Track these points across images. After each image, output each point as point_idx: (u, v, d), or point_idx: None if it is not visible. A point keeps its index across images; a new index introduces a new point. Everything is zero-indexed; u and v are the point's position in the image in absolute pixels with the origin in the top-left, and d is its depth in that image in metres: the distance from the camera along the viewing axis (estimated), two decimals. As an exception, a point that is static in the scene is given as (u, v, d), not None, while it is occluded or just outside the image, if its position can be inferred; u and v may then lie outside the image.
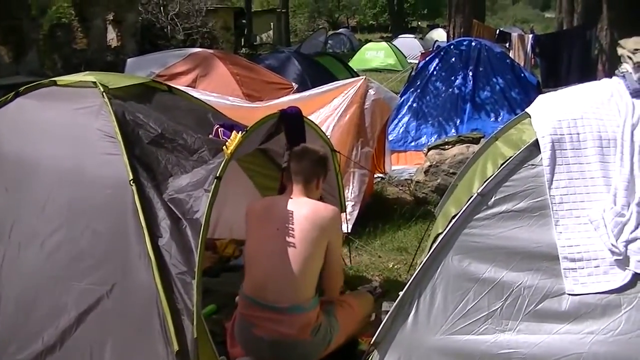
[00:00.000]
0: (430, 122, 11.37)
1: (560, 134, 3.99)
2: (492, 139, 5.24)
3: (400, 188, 9.79)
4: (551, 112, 4.22)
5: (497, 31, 16.72)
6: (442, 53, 12.12)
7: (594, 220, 3.81)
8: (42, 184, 4.50)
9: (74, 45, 20.85)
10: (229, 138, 4.50)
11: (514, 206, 3.90)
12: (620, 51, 4.50)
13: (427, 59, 12.30)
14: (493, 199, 3.93)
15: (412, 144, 11.24)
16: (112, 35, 22.13)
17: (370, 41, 36.61)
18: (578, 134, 4.00)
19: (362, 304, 4.89)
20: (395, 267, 6.80)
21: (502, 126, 5.23)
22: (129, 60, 11.68)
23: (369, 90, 7.93)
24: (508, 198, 3.92)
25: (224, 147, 4.25)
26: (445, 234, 3.93)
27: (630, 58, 4.31)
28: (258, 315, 4.30)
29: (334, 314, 4.52)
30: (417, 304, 3.89)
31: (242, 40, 35.28)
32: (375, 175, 9.30)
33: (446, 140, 9.47)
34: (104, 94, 4.68)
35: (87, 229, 4.21)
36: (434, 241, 4.56)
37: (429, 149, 9.39)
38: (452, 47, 12.19)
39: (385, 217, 8.24)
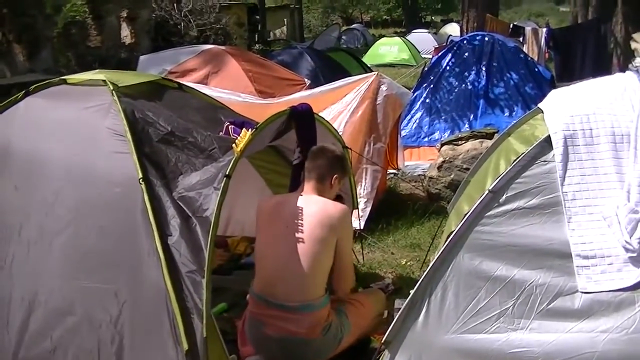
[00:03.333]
0: (443, 117, 11.29)
1: (573, 130, 3.94)
2: (505, 135, 5.19)
3: (413, 184, 9.73)
4: (564, 107, 4.17)
5: (511, 25, 16.62)
6: (455, 48, 12.03)
7: (607, 216, 3.76)
8: (52, 183, 4.49)
9: (88, 43, 20.88)
10: (239, 135, 4.48)
11: (525, 203, 3.86)
12: (634, 45, 4.47)
13: (440, 54, 12.25)
14: (505, 196, 3.89)
15: (425, 139, 11.16)
16: (125, 32, 22.14)
17: (384, 36, 36.53)
18: (591, 129, 3.95)
19: (374, 302, 4.86)
20: (409, 264, 6.76)
21: (515, 122, 5.17)
22: (141, 57, 11.68)
23: (381, 86, 7.89)
24: (520, 195, 3.88)
25: (234, 145, 4.23)
26: (457, 231, 3.89)
27: (644, 52, 4.26)
28: (268, 314, 4.28)
29: (345, 313, 4.50)
30: (428, 303, 3.86)
31: (256, 36, 35.23)
32: (388, 171, 9.25)
33: (459, 135, 9.41)
34: (113, 92, 4.66)
35: (96, 227, 4.21)
36: (446, 239, 4.53)
37: (442, 145, 9.33)
38: (465, 42, 12.10)
39: (398, 213, 8.21)
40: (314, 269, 4.22)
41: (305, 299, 4.23)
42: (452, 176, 8.81)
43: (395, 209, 8.38)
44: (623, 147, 3.91)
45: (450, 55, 11.87)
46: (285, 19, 43.97)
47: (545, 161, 3.92)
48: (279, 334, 4.25)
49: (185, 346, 3.64)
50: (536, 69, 11.66)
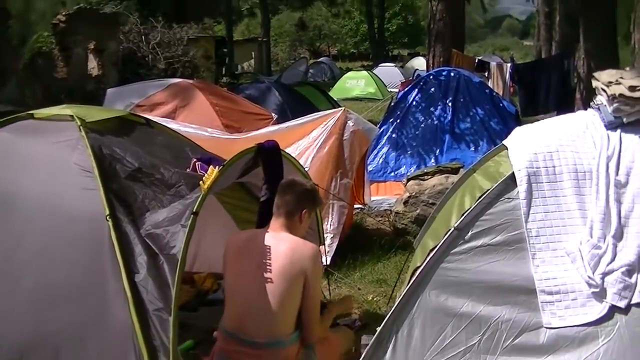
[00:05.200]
0: (409, 152, 11.37)
1: (537, 167, 4.01)
2: (470, 171, 5.24)
3: (380, 219, 9.78)
4: (527, 144, 4.24)
5: (476, 60, 16.84)
6: (421, 83, 12.15)
7: (570, 252, 3.82)
8: (19, 218, 4.47)
9: (54, 75, 20.78)
10: (206, 172, 4.50)
11: (490, 240, 3.91)
12: (595, 83, 4.54)
13: (406, 89, 12.36)
14: (470, 233, 3.93)
15: (392, 174, 11.24)
16: (93, 64, 22.05)
17: (351, 69, 36.78)
18: (554, 166, 4.03)
19: (341, 339, 4.86)
20: (375, 299, 6.78)
21: (480, 158, 5.23)
22: (108, 90, 11.66)
23: (348, 122, 7.96)
24: (485, 232, 3.93)
25: (201, 182, 4.24)
26: (423, 268, 3.93)
27: (604, 90, 4.35)
28: (238, 350, 4.25)
29: (313, 349, 4.48)
30: (395, 339, 3.88)
31: (223, 69, 35.31)
32: (354, 206, 9.29)
33: (425, 170, 9.50)
34: (80, 127, 4.66)
35: (64, 264, 4.19)
36: (412, 274, 4.56)
37: (408, 180, 9.41)
38: (431, 77, 12.23)
39: (365, 248, 8.23)
40: (283, 307, 4.21)
41: (274, 335, 4.22)
42: (418, 211, 8.88)
43: (362, 244, 8.41)
44: (585, 184, 3.99)
45: (416, 90, 11.98)
46: (252, 52, 44.16)
47: (509, 198, 3.98)
48: (249, 371, 4.24)
49: (153, 385, 3.62)
50: (501, 104, 11.81)
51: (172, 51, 25.86)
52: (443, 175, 9.08)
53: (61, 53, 21.06)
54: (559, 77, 15.05)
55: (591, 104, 4.56)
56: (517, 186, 3.99)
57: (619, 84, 4.26)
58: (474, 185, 4.57)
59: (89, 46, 21.63)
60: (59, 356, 3.97)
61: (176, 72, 23.46)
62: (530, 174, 3.99)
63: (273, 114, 11.11)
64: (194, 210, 4.08)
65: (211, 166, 4.39)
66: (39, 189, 4.55)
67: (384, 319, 5.46)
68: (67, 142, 4.68)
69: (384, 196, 10.65)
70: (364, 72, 31.98)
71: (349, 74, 32.61)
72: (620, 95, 4.19)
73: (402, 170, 11.11)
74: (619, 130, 4.23)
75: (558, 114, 13.44)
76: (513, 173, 4.04)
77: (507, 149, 4.55)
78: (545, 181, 3.99)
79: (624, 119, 4.23)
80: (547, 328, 3.71)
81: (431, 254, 3.97)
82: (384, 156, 11.44)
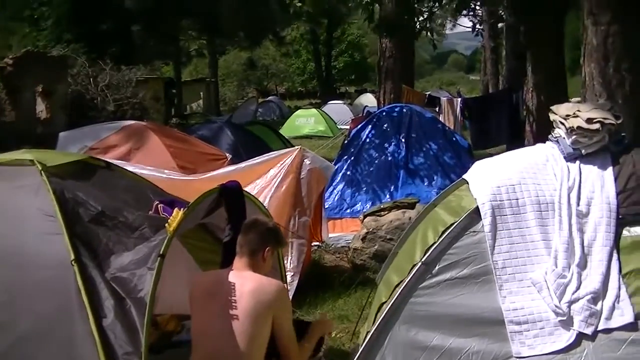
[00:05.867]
0: (364, 189, 11.44)
1: (500, 200, 4.10)
2: (430, 206, 5.32)
3: (338, 255, 9.79)
4: (489, 178, 4.33)
5: (427, 96, 17.08)
6: (374, 119, 12.25)
7: (536, 282, 3.91)
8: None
9: (2, 118, 20.52)
10: (168, 214, 4.49)
11: (457, 273, 3.98)
12: (552, 117, 4.66)
13: (359, 125, 12.45)
14: (437, 267, 4.00)
15: (348, 211, 11.28)
16: (41, 107, 21.82)
17: (300, 108, 36.92)
18: (517, 199, 4.12)
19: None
20: (338, 335, 6.76)
21: (440, 193, 5.31)
22: (61, 134, 11.54)
23: (305, 160, 7.98)
24: (452, 266, 4.00)
25: (167, 225, 4.23)
26: (392, 303, 3.96)
27: (562, 123, 4.47)
28: (207, 392, 4.22)
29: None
30: (367, 376, 3.90)
31: (173, 110, 35.27)
32: (312, 244, 9.29)
33: (382, 206, 9.54)
34: (42, 172, 4.60)
35: (28, 311, 4.10)
36: (378, 310, 4.59)
37: (365, 216, 9.44)
38: (384, 113, 12.35)
39: (325, 285, 8.22)
40: (250, 345, 4.18)
41: (243, 376, 4.20)
42: (376, 247, 8.91)
43: (322, 281, 8.40)
44: (548, 215, 4.10)
45: (370, 126, 12.08)
46: (201, 92, 44.15)
47: (475, 232, 4.06)
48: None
49: None
50: (454, 138, 11.97)
51: (121, 93, 25.77)
52: (400, 211, 9.13)
53: (9, 97, 20.82)
54: (509, 110, 15.35)
55: (549, 136, 4.68)
56: (481, 219, 4.06)
57: (577, 116, 4.39)
58: (437, 220, 4.63)
59: (37, 89, 21.43)
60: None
61: (125, 113, 23.34)
62: (494, 207, 4.08)
63: (227, 154, 11.10)
64: (161, 253, 4.06)
65: (176, 208, 4.38)
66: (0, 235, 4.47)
67: (348, 355, 5.52)
68: (29, 187, 4.62)
69: (341, 233, 10.66)
70: (314, 110, 32.11)
71: (299, 112, 32.71)
72: (579, 127, 4.31)
73: (358, 206, 11.16)
74: (577, 162, 4.36)
75: (508, 147, 13.77)
76: (477, 207, 4.11)
77: (467, 183, 4.64)
78: (509, 213, 4.08)
79: (583, 151, 4.36)
80: (517, 358, 3.78)
81: (399, 289, 4.01)
82: (339, 193, 11.49)
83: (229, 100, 51.96)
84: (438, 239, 4.24)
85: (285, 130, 26.67)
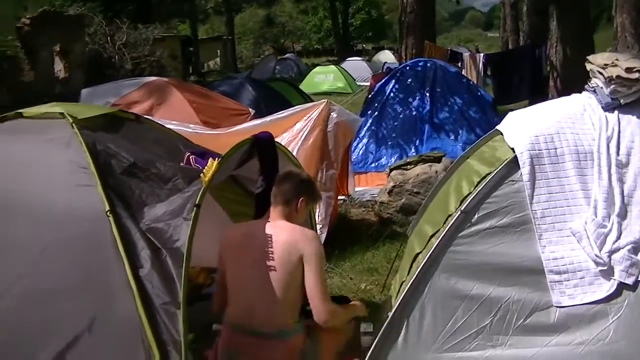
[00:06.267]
0: (389, 143, 11.39)
1: (539, 150, 4.03)
2: (462, 158, 5.28)
3: (363, 209, 9.77)
4: (527, 128, 4.26)
5: (449, 51, 16.91)
6: (398, 74, 12.18)
7: (576, 232, 3.86)
8: (10, 221, 4.29)
9: (21, 78, 20.53)
10: (200, 165, 4.45)
11: (497, 222, 3.93)
12: (589, 67, 4.57)
13: (382, 80, 12.34)
14: (476, 216, 3.95)
15: (373, 165, 11.25)
16: (59, 67, 21.83)
17: (317, 65, 36.72)
18: (555, 148, 4.06)
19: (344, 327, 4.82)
20: (368, 288, 6.77)
21: (473, 145, 5.26)
22: (83, 90, 11.52)
23: (331, 113, 7.92)
24: (491, 214, 3.95)
25: (201, 175, 4.19)
26: (432, 253, 3.92)
27: (600, 73, 4.38)
28: (244, 342, 4.21)
29: (317, 338, 4.45)
30: (406, 324, 3.89)
31: (190, 68, 35.16)
32: (338, 197, 9.26)
33: (408, 160, 9.49)
34: (73, 124, 4.56)
35: (63, 264, 4.04)
36: (413, 260, 4.56)
37: (391, 170, 9.39)
38: (408, 68, 12.26)
39: (352, 238, 8.21)
40: (287, 295, 4.17)
41: (281, 325, 4.18)
42: (403, 200, 8.87)
43: (349, 234, 8.39)
44: (587, 165, 4.04)
45: (393, 81, 12.01)
46: (218, 50, 43.97)
47: (513, 181, 4.01)
48: (256, 363, 4.20)
49: (165, 380, 3.55)
50: (479, 93, 11.88)
51: (138, 51, 25.75)
52: (426, 164, 9.07)
53: (27, 56, 20.82)
54: (531, 66, 15.19)
55: (585, 86, 4.60)
56: (519, 169, 4.01)
57: (615, 66, 4.30)
58: (470, 171, 4.59)
59: (54, 49, 21.42)
60: (65, 355, 3.87)
61: (143, 72, 23.35)
62: (533, 156, 4.02)
63: (250, 109, 11.05)
64: (197, 203, 4.02)
65: (210, 158, 4.34)
66: (31, 188, 4.40)
67: (379, 306, 5.51)
68: (60, 139, 4.56)
69: (366, 187, 10.64)
70: (333, 67, 31.96)
71: (318, 68, 32.54)
72: (617, 77, 4.23)
73: (383, 160, 11.13)
74: (616, 112, 4.28)
75: (530, 103, 13.65)
76: (514, 156, 4.05)
77: (501, 134, 4.58)
78: (548, 163, 4.03)
79: (621, 100, 4.28)
80: (557, 307, 3.75)
81: (437, 239, 3.97)
82: (364, 147, 11.46)
83: (245, 58, 51.76)
84: (474, 189, 4.21)
85: (304, 87, 26.52)
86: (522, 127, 4.35)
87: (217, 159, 4.33)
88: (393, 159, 10.88)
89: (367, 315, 4.83)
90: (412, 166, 9.15)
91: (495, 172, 4.08)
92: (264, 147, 4.92)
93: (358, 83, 29.64)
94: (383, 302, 5.58)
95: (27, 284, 4.05)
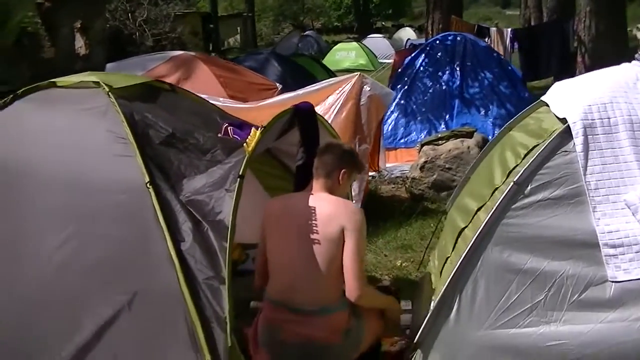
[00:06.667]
0: (419, 118, 11.26)
1: (592, 119, 3.90)
2: (505, 130, 5.19)
3: (393, 186, 9.66)
4: (579, 97, 4.12)
5: (476, 26, 16.71)
6: (427, 48, 12.02)
7: (631, 204, 3.73)
8: (45, 192, 4.18)
9: (42, 55, 20.45)
10: (239, 136, 4.35)
11: (550, 194, 3.81)
12: (639, 34, 4.43)
13: (412, 55, 12.18)
14: (529, 188, 3.84)
15: (402, 140, 11.13)
16: (80, 43, 21.68)
17: (337, 42, 36.51)
18: (609, 118, 3.92)
19: (391, 307, 4.70)
20: (404, 264, 6.67)
21: (516, 116, 5.15)
22: (108, 65, 11.49)
23: (364, 87, 7.80)
24: (544, 186, 3.83)
25: (245, 145, 4.09)
26: (483, 225, 3.81)
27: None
28: (286, 319, 4.10)
29: (361, 315, 4.34)
30: (459, 300, 3.79)
31: (211, 45, 35.04)
32: (368, 174, 9.15)
33: (439, 135, 9.36)
34: (109, 93, 4.44)
35: (101, 237, 3.93)
36: (458, 236, 4.45)
37: (422, 145, 9.27)
38: (437, 42, 12.10)
39: (384, 215, 8.12)
40: (331, 269, 4.06)
41: (325, 301, 4.07)
42: (435, 176, 8.76)
43: (381, 211, 8.30)
44: (642, 135, 3.89)
45: (423, 55, 11.85)
46: (238, 28, 43.81)
47: (566, 151, 3.89)
48: (298, 340, 4.07)
49: (208, 356, 3.45)
50: (509, 67, 11.71)
51: (159, 28, 25.70)
52: (458, 140, 8.95)
53: (47, 33, 20.72)
54: (559, 41, 14.96)
55: (636, 55, 4.46)
56: (572, 139, 3.87)
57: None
58: (514, 143, 4.50)
59: (75, 25, 21.31)
60: (101, 334, 3.75)
61: (164, 49, 23.19)
62: (586, 126, 3.89)
63: (277, 84, 10.93)
64: (240, 174, 3.92)
65: (253, 128, 4.24)
66: (66, 159, 4.28)
67: (416, 283, 5.42)
68: (96, 109, 4.44)
69: (395, 163, 10.54)
70: (354, 44, 31.79)
71: (339, 45, 32.37)
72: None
73: (413, 136, 11.02)
74: (669, 81, 4.13)
75: (556, 79, 13.50)
76: (567, 127, 3.92)
77: (544, 105, 4.46)
78: (601, 133, 3.89)
79: (674, 69, 4.13)
80: (612, 282, 3.63)
81: (490, 210, 3.84)
82: (393, 123, 11.33)
83: (264, 35, 51.55)
84: (521, 161, 4.09)
85: (326, 64, 26.41)
86: (572, 97, 4.21)
87: (259, 128, 4.22)
88: (423, 135, 10.77)
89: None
90: (444, 141, 9.03)
91: (546, 143, 3.94)
92: (304, 117, 4.81)
93: (379, 60, 29.42)
94: (420, 279, 5.47)
95: (67, 253, 3.96)
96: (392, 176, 9.98)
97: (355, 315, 4.27)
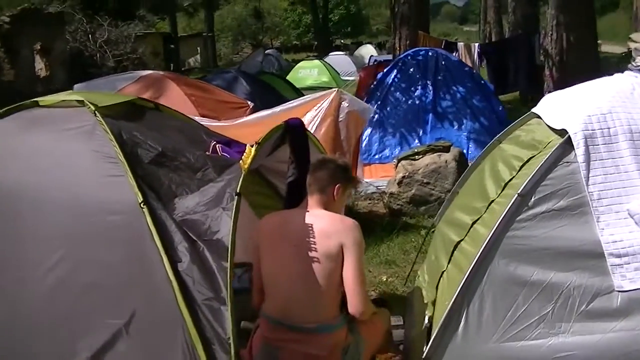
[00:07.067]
0: (392, 133, 11.28)
1: (592, 129, 3.90)
2: (495, 143, 5.17)
3: (369, 201, 9.61)
4: (578, 108, 4.11)
5: (443, 41, 16.82)
6: (399, 64, 12.04)
7: (634, 214, 3.72)
8: (33, 217, 4.06)
9: (1, 77, 20.19)
10: (228, 154, 4.29)
11: (554, 205, 3.80)
12: (633, 45, 4.46)
13: (385, 70, 12.19)
14: (533, 199, 3.82)
15: (376, 156, 11.13)
16: (40, 65, 21.49)
17: (298, 61, 36.57)
18: (609, 128, 3.93)
19: (382, 319, 4.65)
20: (389, 280, 6.62)
21: (506, 129, 5.15)
22: (75, 86, 11.24)
23: (343, 103, 7.76)
24: (547, 197, 3.82)
25: (240, 162, 4.01)
26: (489, 238, 3.77)
27: (646, 51, 4.26)
28: (285, 338, 4.01)
29: (358, 331, 4.27)
30: (466, 313, 3.76)
31: (171, 65, 34.88)
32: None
33: (416, 150, 9.34)
34: (95, 112, 4.31)
35: (94, 260, 3.82)
36: (454, 249, 4.41)
37: (399, 160, 9.24)
38: (409, 57, 12.13)
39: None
40: (330, 286, 3.98)
41: (323, 319, 4.00)
42: (413, 191, 8.73)
43: (361, 226, 8.19)
44: (641, 145, 3.89)
45: (395, 71, 11.86)
46: (198, 47, 43.75)
47: (568, 162, 3.89)
48: (297, 358, 4.00)
49: (210, 380, 3.36)
50: (482, 81, 11.78)
51: (120, 49, 25.63)
52: (435, 154, 8.93)
53: (7, 55, 20.47)
54: (525, 55, 15.14)
55: (629, 65, 4.49)
56: (573, 150, 3.86)
57: (662, 42, 4.17)
58: (507, 156, 4.50)
59: (35, 47, 21.09)
60: (101, 357, 3.65)
61: (126, 69, 23.11)
62: (587, 137, 3.89)
63: (249, 102, 10.85)
64: (237, 191, 3.83)
65: (247, 145, 4.16)
66: (53, 181, 4.15)
67: (404, 298, 5.36)
68: (82, 128, 4.32)
69: (370, 179, 10.47)
70: (317, 62, 31.85)
71: (302, 63, 32.42)
72: (667, 52, 4.09)
73: (387, 152, 11.04)
74: (666, 89, 4.14)
75: (523, 93, 13.55)
76: (569, 137, 3.90)
77: (536, 117, 4.45)
78: (602, 143, 3.90)
79: (671, 77, 4.14)
80: (618, 292, 3.62)
81: (495, 223, 3.80)
82: (367, 138, 11.30)
83: (224, 55, 51.51)
84: (517, 173, 4.08)
85: (289, 82, 26.44)
86: (570, 108, 4.20)
87: (254, 145, 4.14)
88: (397, 150, 10.79)
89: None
90: (421, 156, 9.01)
91: (545, 154, 3.93)
92: (295, 133, 4.73)
93: (342, 77, 29.50)
94: (409, 295, 5.41)
95: (59, 278, 3.85)
96: (369, 192, 9.92)
97: (353, 332, 4.20)
